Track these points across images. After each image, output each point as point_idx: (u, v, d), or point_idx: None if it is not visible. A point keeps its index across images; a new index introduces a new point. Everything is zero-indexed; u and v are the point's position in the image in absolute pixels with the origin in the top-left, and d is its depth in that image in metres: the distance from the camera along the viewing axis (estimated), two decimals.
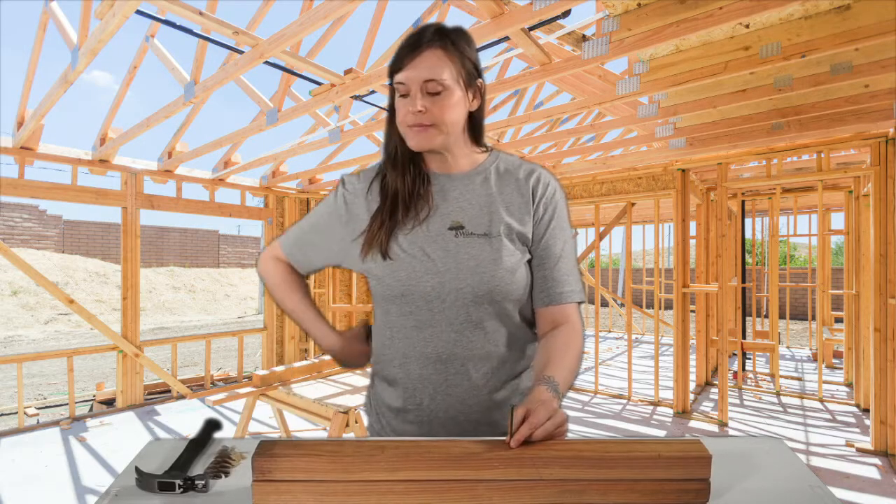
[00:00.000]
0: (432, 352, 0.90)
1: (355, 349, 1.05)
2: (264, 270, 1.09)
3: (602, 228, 5.07)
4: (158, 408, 4.26)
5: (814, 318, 9.05)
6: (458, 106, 0.87)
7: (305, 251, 1.05)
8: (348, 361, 1.07)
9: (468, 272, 0.88)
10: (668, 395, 4.40)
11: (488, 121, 3.95)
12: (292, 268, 1.08)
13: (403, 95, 0.87)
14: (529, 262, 0.93)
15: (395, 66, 0.86)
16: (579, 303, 0.94)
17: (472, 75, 0.89)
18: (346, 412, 2.30)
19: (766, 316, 8.42)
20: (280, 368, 2.86)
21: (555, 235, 0.94)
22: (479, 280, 0.87)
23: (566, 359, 0.86)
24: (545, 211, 0.94)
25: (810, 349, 6.81)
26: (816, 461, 3.10)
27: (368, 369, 1.05)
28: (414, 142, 0.88)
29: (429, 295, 0.89)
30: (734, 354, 5.76)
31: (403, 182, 0.93)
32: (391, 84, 0.89)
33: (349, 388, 2.78)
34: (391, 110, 0.92)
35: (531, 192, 0.94)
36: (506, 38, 2.30)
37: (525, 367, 0.96)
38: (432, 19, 2.95)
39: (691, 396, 4.27)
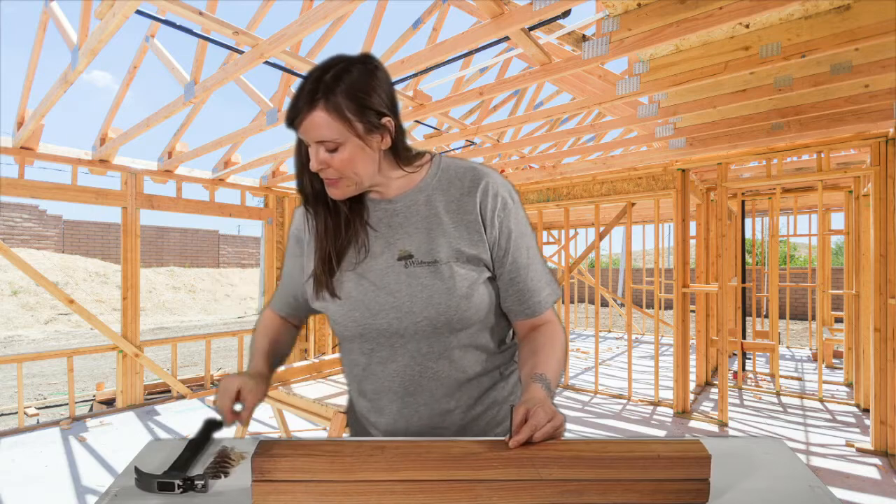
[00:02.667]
0: (399, 386, 0.88)
1: (249, 386, 0.89)
2: (258, 322, 1.09)
3: (602, 228, 5.07)
4: (158, 408, 4.26)
5: (814, 318, 9.04)
6: (358, 156, 0.83)
7: (282, 296, 1.05)
8: (224, 390, 0.87)
9: (423, 304, 0.84)
10: (668, 395, 4.40)
11: (488, 121, 3.96)
12: (282, 317, 1.09)
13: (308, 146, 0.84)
14: (491, 279, 0.90)
15: (290, 125, 0.83)
16: (554, 305, 0.95)
17: (370, 123, 0.82)
18: (346, 412, 2.30)
19: (766, 316, 8.42)
20: (280, 368, 2.86)
21: (518, 246, 0.90)
22: (436, 312, 0.84)
23: (553, 354, 0.87)
24: (500, 225, 0.88)
25: (810, 349, 6.81)
26: (816, 461, 3.10)
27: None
28: (331, 193, 0.87)
29: (386, 332, 0.86)
30: (734, 354, 5.75)
31: (325, 218, 0.91)
32: None
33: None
34: (298, 150, 0.89)
35: (479, 209, 0.88)
36: (506, 38, 2.30)
37: (495, 379, 0.95)
38: (432, 19, 2.95)
39: (691, 396, 4.27)
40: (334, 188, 0.86)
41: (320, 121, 0.80)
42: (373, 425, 0.94)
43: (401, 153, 0.89)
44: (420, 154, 0.93)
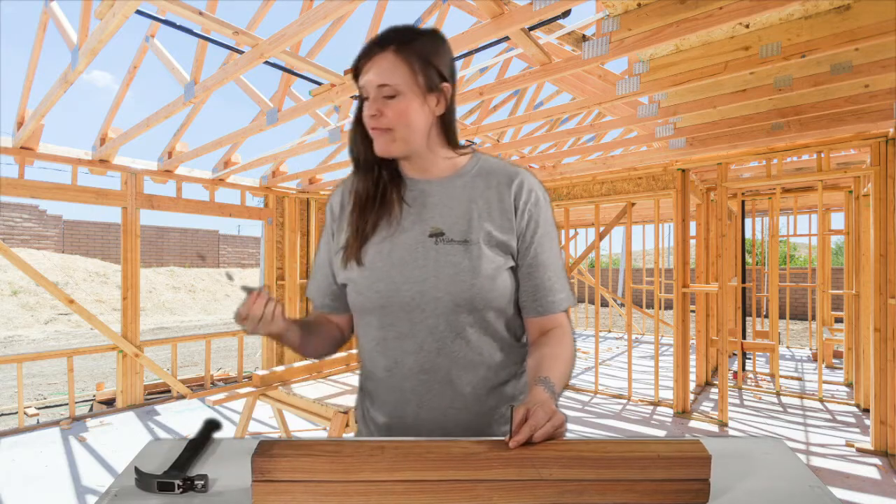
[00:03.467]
0: (415, 363, 0.88)
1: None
2: None
3: (602, 228, 5.08)
4: (158, 408, 4.26)
5: (814, 318, 9.04)
6: (413, 110, 0.85)
7: (321, 285, 1.01)
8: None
9: (447, 280, 0.86)
10: (668, 395, 4.40)
11: (488, 121, 3.96)
12: (319, 313, 1.02)
13: (365, 99, 0.87)
14: (513, 269, 0.92)
15: (354, 71, 0.87)
16: (567, 310, 0.94)
17: (431, 80, 0.86)
18: (346, 412, 2.30)
19: (766, 316, 8.42)
20: (280, 368, 2.86)
21: (542, 243, 0.92)
22: (459, 288, 0.85)
23: (560, 359, 0.86)
24: (529, 218, 0.91)
25: (810, 349, 6.81)
26: (816, 461, 3.10)
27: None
28: (376, 145, 0.88)
29: (408, 305, 0.87)
30: (734, 354, 5.75)
31: (367, 185, 0.92)
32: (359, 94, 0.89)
33: (349, 388, 2.78)
34: (357, 114, 0.92)
35: (513, 199, 0.91)
36: (506, 38, 2.30)
37: (511, 374, 0.94)
38: (432, 19, 2.95)
39: (691, 396, 4.27)
40: (381, 139, 0.87)
41: (388, 64, 0.83)
42: (383, 405, 0.93)
43: (451, 129, 0.93)
44: (464, 145, 0.98)
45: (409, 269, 0.87)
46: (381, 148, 0.87)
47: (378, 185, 0.92)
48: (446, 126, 0.92)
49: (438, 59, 0.87)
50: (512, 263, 0.91)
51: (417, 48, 0.85)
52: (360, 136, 0.91)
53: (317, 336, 0.98)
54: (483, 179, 0.93)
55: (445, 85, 0.88)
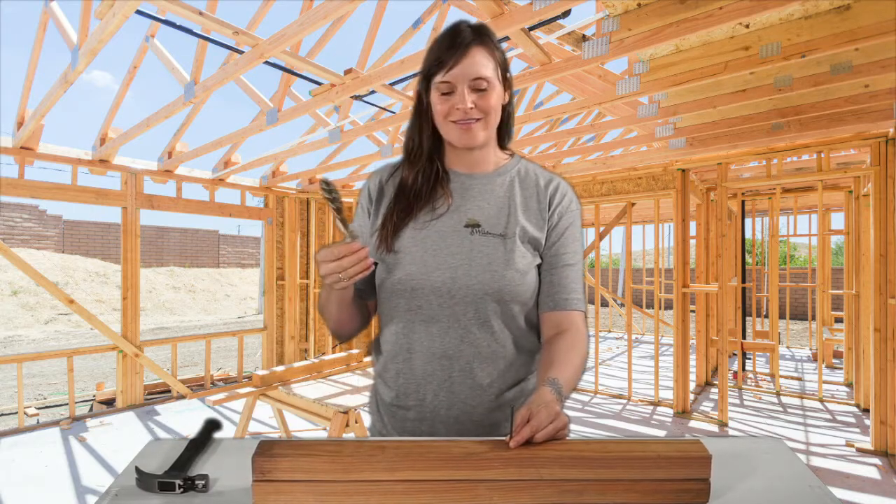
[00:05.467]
0: (438, 347, 0.89)
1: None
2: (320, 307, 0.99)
3: (602, 228, 5.08)
4: (158, 408, 4.26)
5: (814, 318, 9.05)
6: (499, 100, 0.90)
7: None
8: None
9: (480, 269, 0.88)
10: (668, 395, 4.40)
11: None
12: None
13: (446, 94, 0.88)
14: (539, 266, 0.94)
15: (438, 66, 0.87)
16: (583, 313, 0.95)
17: (506, 70, 0.92)
18: (346, 412, 2.30)
19: (766, 316, 8.42)
20: (280, 368, 2.86)
21: (566, 244, 0.95)
22: (490, 278, 0.88)
23: (570, 362, 0.86)
24: (560, 219, 0.95)
25: (810, 349, 6.81)
26: (816, 461, 3.10)
27: (370, 369, 1.03)
28: (462, 138, 0.90)
29: (439, 290, 0.89)
30: (734, 354, 5.76)
31: (418, 176, 0.95)
32: (424, 82, 0.91)
33: (349, 388, 2.79)
34: (419, 108, 0.94)
35: (549, 199, 0.96)
36: (506, 38, 2.30)
37: (531, 370, 0.96)
38: (432, 19, 2.95)
39: (691, 396, 4.27)
40: (472, 130, 0.89)
41: (482, 58, 0.87)
42: (401, 388, 0.93)
43: (509, 125, 0.98)
44: (507, 147, 1.03)
45: (442, 255, 0.89)
46: (470, 138, 0.90)
47: (427, 176, 0.95)
48: (505, 121, 0.97)
49: (505, 57, 0.93)
50: (539, 261, 0.94)
51: (497, 44, 0.90)
52: (424, 128, 0.94)
53: (357, 310, 0.97)
54: (523, 180, 0.97)
55: (509, 74, 0.93)
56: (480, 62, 0.86)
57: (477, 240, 0.90)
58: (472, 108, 0.87)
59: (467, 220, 0.92)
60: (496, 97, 0.89)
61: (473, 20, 0.94)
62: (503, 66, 0.91)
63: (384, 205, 0.97)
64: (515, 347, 0.92)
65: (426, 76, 0.90)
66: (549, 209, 0.95)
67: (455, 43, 0.87)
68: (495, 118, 0.91)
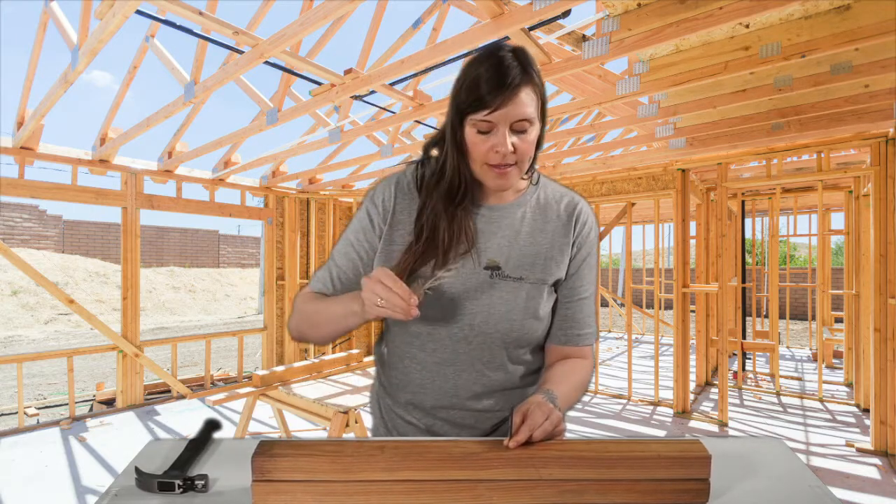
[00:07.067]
0: (451, 387, 0.90)
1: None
2: (301, 300, 0.95)
3: (602, 228, 5.07)
4: (158, 408, 4.26)
5: (814, 318, 9.04)
6: (536, 136, 0.83)
7: (336, 279, 0.93)
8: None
9: (498, 318, 0.86)
10: (668, 395, 4.40)
11: None
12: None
13: (483, 132, 0.79)
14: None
15: (481, 103, 0.77)
16: (592, 346, 0.95)
17: (545, 103, 0.84)
18: (346, 412, 2.30)
19: (766, 316, 8.42)
20: (280, 368, 2.86)
21: (583, 276, 0.92)
22: (509, 328, 0.86)
23: (568, 381, 0.86)
24: (579, 250, 0.92)
25: (810, 349, 6.81)
26: (816, 461, 3.10)
27: (370, 370, 1.03)
28: (496, 183, 0.83)
29: (456, 336, 0.87)
30: (734, 354, 5.75)
31: (450, 217, 0.86)
32: (461, 116, 0.80)
33: (349, 388, 2.78)
34: (455, 141, 0.83)
35: (573, 233, 0.91)
36: (506, 38, 2.30)
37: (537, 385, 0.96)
38: (432, 19, 2.95)
39: (691, 396, 4.27)
40: (507, 175, 0.82)
41: (527, 98, 0.78)
42: (403, 405, 0.95)
43: (535, 156, 0.86)
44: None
45: (462, 301, 0.86)
46: (505, 183, 0.83)
47: (459, 220, 0.86)
48: (536, 149, 0.87)
49: (544, 87, 0.84)
50: (555, 296, 0.92)
51: (539, 74, 0.81)
52: (462, 166, 0.85)
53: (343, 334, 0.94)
54: (543, 210, 0.92)
55: (546, 112, 0.85)
56: (525, 102, 0.78)
57: (497, 284, 0.86)
58: (511, 153, 0.79)
59: (487, 262, 0.87)
60: (535, 134, 0.82)
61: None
62: (543, 100, 0.82)
63: (399, 230, 0.89)
64: (525, 376, 0.93)
65: (467, 110, 0.79)
66: (572, 242, 0.91)
67: (504, 84, 0.76)
68: (530, 159, 0.84)
